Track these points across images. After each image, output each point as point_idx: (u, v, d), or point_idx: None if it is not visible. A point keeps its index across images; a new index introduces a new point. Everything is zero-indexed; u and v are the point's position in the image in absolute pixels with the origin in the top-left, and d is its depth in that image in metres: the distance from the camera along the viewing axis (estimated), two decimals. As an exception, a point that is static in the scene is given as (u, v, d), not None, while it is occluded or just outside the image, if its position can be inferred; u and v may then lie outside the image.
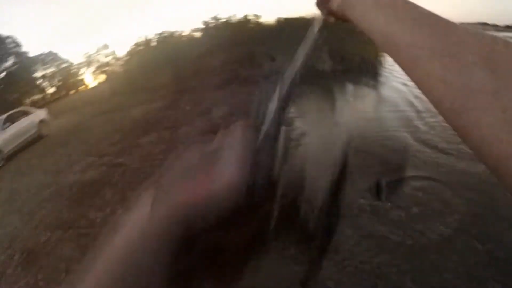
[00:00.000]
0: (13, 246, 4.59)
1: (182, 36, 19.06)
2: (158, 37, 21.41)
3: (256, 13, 16.73)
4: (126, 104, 12.14)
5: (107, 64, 28.58)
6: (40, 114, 12.72)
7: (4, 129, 10.82)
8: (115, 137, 8.06)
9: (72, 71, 29.59)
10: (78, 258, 3.67)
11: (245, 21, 16.26)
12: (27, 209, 5.67)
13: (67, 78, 28.91)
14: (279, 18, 14.11)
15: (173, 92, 10.15)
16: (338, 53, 6.86)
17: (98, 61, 29.46)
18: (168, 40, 18.78)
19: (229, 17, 17.01)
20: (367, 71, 5.85)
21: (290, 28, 8.43)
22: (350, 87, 5.63)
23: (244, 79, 8.27)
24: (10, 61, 26.21)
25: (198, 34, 18.24)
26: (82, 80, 30.04)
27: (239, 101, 6.92)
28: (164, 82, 11.56)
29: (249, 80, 7.94)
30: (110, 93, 16.59)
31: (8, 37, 26.01)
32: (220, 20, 17.37)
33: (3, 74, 25.85)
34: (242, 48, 9.56)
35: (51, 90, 28.03)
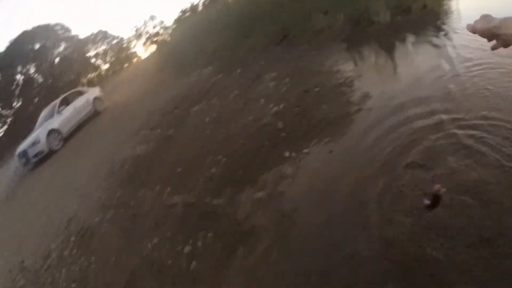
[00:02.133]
0: (70, 227, 4.99)
1: None
2: (204, 2, 21.62)
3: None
4: (176, 73, 12.39)
5: (156, 34, 30.14)
6: (94, 92, 13.82)
7: (60, 112, 11.98)
8: (167, 108, 8.25)
9: (124, 45, 31.52)
10: (128, 239, 3.83)
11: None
12: (84, 190, 6.13)
13: (119, 53, 31.10)
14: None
15: (222, 58, 10.05)
16: (397, 2, 5.98)
17: (147, 32, 31.05)
18: (214, 5, 18.68)
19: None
20: (431, 23, 5.00)
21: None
22: (411, 41, 4.88)
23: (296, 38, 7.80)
24: (62, 46, 29.09)
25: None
26: (134, 52, 31.99)
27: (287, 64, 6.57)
28: (213, 47, 11.48)
29: (301, 39, 7.45)
30: (161, 63, 17.15)
31: (56, 24, 28.83)
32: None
33: (58, 59, 28.57)
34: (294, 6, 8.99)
35: (105, 66, 30.41)
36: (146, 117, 8.41)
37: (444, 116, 2.82)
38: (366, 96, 3.80)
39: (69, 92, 13.80)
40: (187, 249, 3.03)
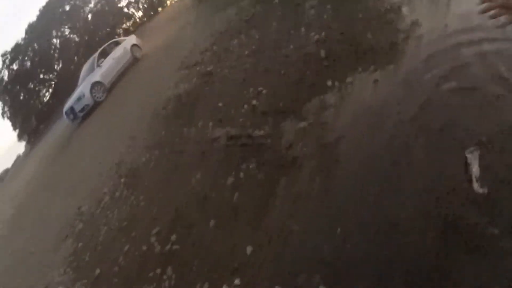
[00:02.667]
0: (120, 170, 5.15)
1: None
2: None
3: None
4: (210, 11, 11.93)
5: None
6: (130, 40, 13.85)
7: (100, 64, 12.30)
8: (204, 44, 7.99)
9: None
10: (173, 176, 3.84)
11: None
12: (130, 134, 6.24)
13: None
14: None
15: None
16: None
17: None
18: None
19: None
20: None
21: None
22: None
23: None
24: (92, 3, 29.33)
25: None
26: None
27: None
28: None
29: None
30: (193, 3, 16.61)
31: None
32: None
33: (90, 15, 29.12)
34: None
35: (139, 14, 30.30)
36: (184, 57, 8.23)
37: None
38: (415, 24, 3.38)
39: (105, 44, 13.98)
40: (229, 180, 3.00)
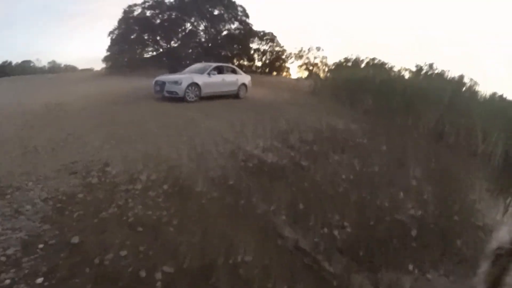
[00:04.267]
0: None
1: (392, 70, 19.37)
2: (368, 61, 22.80)
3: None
4: (316, 107, 12.52)
5: (314, 64, 32.44)
6: (245, 78, 14.76)
7: (210, 74, 13.11)
8: (307, 133, 8.20)
9: (282, 56, 33.65)
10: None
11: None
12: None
13: (275, 60, 33.14)
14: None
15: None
16: None
17: (307, 58, 33.10)
18: (376, 68, 19.40)
19: (443, 70, 15.70)
20: None
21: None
22: None
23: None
24: (234, 25, 31.88)
25: (406, 74, 18.10)
26: (287, 68, 34.00)
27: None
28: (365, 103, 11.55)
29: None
30: (308, 90, 17.69)
31: (240, 5, 31.78)
32: (434, 70, 16.61)
33: (225, 32, 31.56)
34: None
35: (258, 63, 32.86)
36: (281, 129, 8.41)
37: None
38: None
39: (226, 64, 14.95)
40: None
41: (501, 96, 12.44)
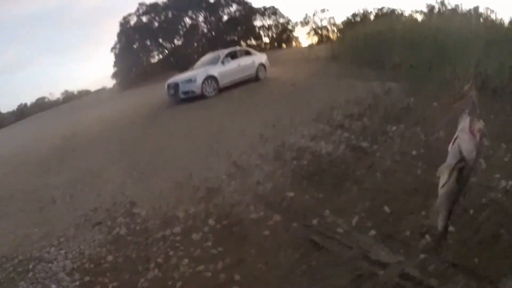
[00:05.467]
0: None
1: (402, 15, 18.86)
2: (377, 12, 22.81)
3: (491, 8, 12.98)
4: (342, 73, 11.13)
5: (322, 27, 31.38)
6: (261, 57, 13.42)
7: (224, 62, 11.78)
8: (348, 108, 6.88)
9: (288, 27, 32.66)
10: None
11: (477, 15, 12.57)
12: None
13: (282, 32, 32.10)
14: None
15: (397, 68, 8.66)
16: None
17: (314, 22, 31.88)
18: (387, 17, 18.95)
19: (456, 5, 14.24)
20: None
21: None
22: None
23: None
24: (233, 7, 31.01)
25: (419, 17, 16.86)
26: (296, 37, 33.00)
27: None
28: (388, 59, 10.12)
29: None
30: (325, 56, 16.16)
31: None
32: (447, 7, 15.30)
33: (226, 17, 30.82)
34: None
35: (265, 39, 31.87)
36: (321, 109, 7.12)
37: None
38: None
39: (239, 48, 13.67)
40: None
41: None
